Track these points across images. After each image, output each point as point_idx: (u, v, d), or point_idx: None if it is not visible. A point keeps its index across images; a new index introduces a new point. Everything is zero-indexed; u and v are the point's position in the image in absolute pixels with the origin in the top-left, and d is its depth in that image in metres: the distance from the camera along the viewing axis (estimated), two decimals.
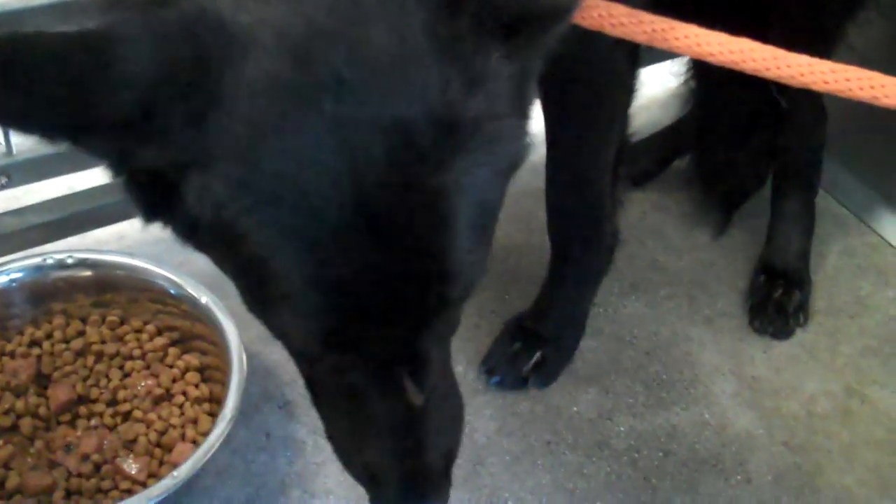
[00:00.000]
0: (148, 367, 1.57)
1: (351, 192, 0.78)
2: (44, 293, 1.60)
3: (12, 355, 1.55)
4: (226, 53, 0.77)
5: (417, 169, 0.79)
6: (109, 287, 1.61)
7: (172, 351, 1.59)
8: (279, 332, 0.93)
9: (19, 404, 1.48)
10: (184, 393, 1.54)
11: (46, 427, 1.48)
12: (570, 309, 1.70)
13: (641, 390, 1.69)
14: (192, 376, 1.56)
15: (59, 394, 1.50)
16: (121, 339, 1.60)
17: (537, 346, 1.68)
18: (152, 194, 0.85)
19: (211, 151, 0.79)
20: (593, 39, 1.03)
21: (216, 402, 1.51)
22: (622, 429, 1.63)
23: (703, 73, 1.91)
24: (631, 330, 1.80)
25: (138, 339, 1.60)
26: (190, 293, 1.56)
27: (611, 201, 1.59)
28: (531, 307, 1.71)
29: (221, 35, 0.77)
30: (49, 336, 1.58)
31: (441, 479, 1.02)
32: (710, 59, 0.97)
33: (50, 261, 1.59)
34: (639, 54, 1.45)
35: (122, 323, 1.61)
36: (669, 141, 2.13)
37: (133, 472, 1.41)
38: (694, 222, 2.04)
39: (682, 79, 1.95)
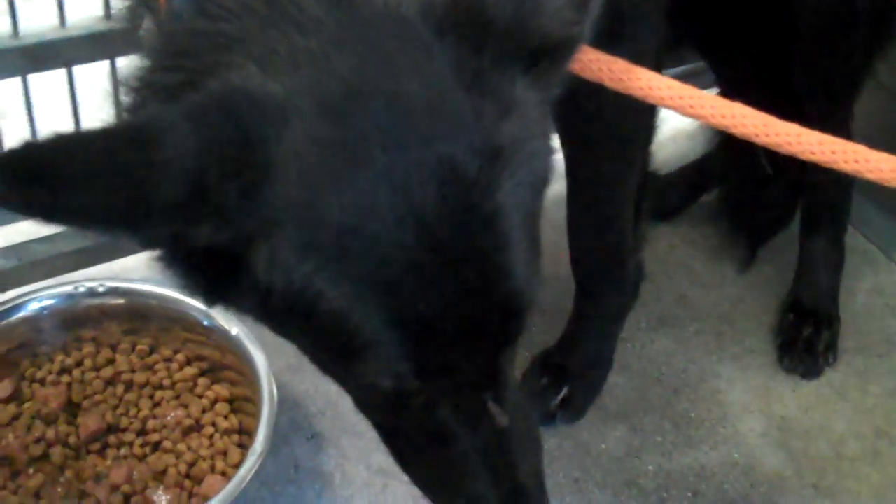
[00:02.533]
0: (178, 397, 1.57)
1: (414, 230, 0.81)
2: (74, 321, 1.60)
3: (42, 382, 1.56)
4: (267, 124, 0.80)
5: (470, 195, 0.83)
6: (140, 316, 1.62)
7: (202, 381, 1.59)
8: (364, 387, 0.95)
9: (50, 433, 1.48)
10: (213, 424, 1.54)
11: (76, 456, 1.49)
12: (597, 344, 1.70)
13: (670, 428, 1.68)
14: (222, 407, 1.56)
15: (90, 422, 1.51)
16: (151, 368, 1.60)
17: (565, 382, 1.67)
18: (214, 275, 0.87)
19: (272, 219, 0.81)
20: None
21: (246, 433, 1.51)
22: (650, 468, 1.62)
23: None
24: (659, 366, 1.79)
25: (168, 369, 1.60)
26: (220, 324, 1.57)
27: (634, 236, 1.60)
28: (558, 342, 1.71)
29: (258, 108, 0.80)
30: (79, 364, 1.59)
31: (539, 495, 1.03)
32: (701, 121, 1.01)
33: (81, 289, 1.60)
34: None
35: (151, 352, 1.62)
36: (697, 175, 2.13)
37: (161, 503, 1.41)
38: (722, 257, 2.03)
39: None
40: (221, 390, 1.58)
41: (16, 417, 1.51)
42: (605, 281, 1.62)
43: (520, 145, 0.86)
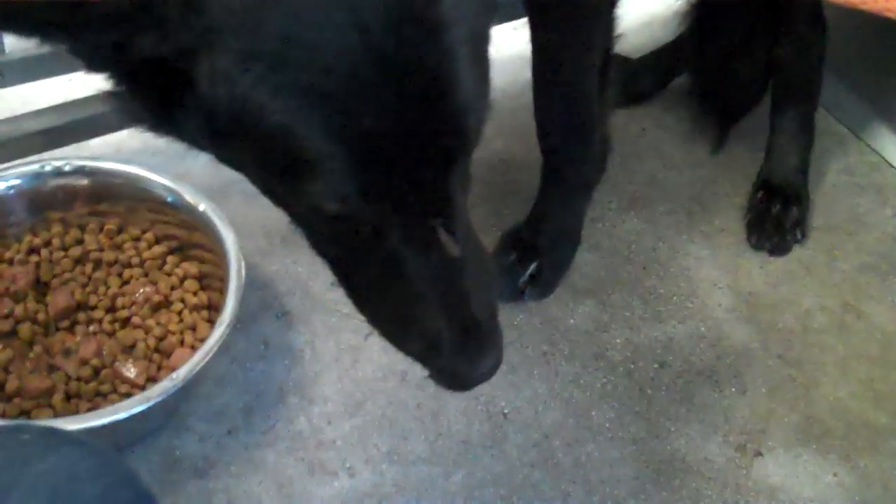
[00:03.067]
0: (146, 275, 1.57)
1: (356, 40, 0.81)
2: (42, 201, 1.59)
3: (11, 262, 1.55)
4: None
5: (412, 5, 0.83)
6: (107, 195, 1.61)
7: (171, 259, 1.59)
8: (313, 213, 0.94)
9: (18, 309, 1.48)
10: (182, 300, 1.54)
11: (45, 332, 1.49)
12: (564, 219, 1.70)
13: (638, 303, 1.70)
14: (191, 284, 1.56)
15: (58, 300, 1.51)
16: (119, 247, 1.60)
17: (533, 258, 1.68)
18: (158, 96, 0.88)
19: (214, 30, 0.81)
20: None
21: (215, 309, 1.52)
22: (618, 341, 1.64)
23: None
24: (629, 245, 1.80)
25: (136, 247, 1.60)
26: (188, 202, 1.56)
27: (600, 107, 1.59)
28: (526, 218, 1.71)
29: None
30: (47, 244, 1.59)
31: (493, 331, 1.03)
32: None
33: (48, 168, 1.58)
34: None
35: (120, 231, 1.61)
36: (669, 58, 2.11)
37: (132, 376, 1.42)
38: (693, 139, 2.02)
39: None
40: (190, 267, 1.58)
41: None
42: (571, 152, 1.61)
43: None
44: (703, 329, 1.67)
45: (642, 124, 2.06)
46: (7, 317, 1.48)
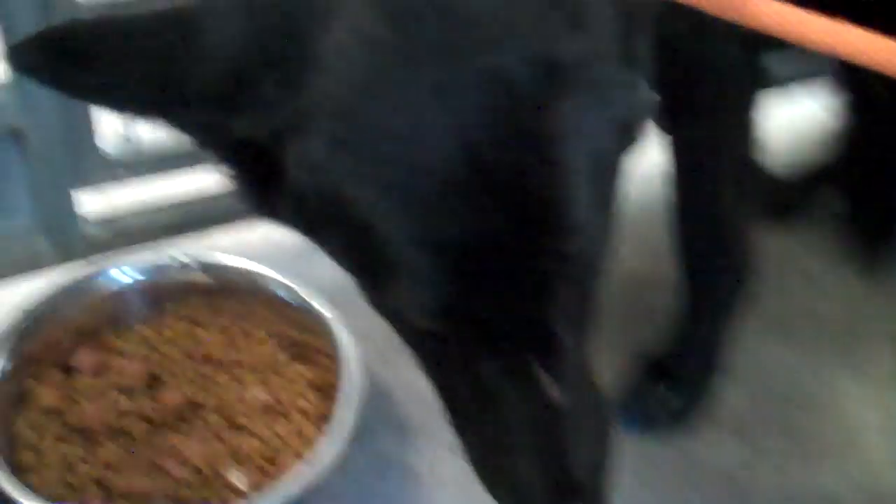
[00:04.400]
0: (260, 377, 1.50)
1: (455, 143, 0.74)
2: (160, 294, 1.55)
3: (124, 355, 1.50)
4: (314, 17, 0.77)
5: (519, 114, 0.75)
6: (228, 292, 1.56)
7: (287, 362, 1.52)
8: (395, 318, 0.89)
9: (129, 405, 1.42)
10: (296, 406, 1.46)
11: (154, 431, 1.42)
12: (704, 344, 1.56)
13: (786, 443, 1.55)
14: (306, 390, 1.48)
15: (169, 397, 1.44)
16: (234, 345, 1.53)
17: (668, 384, 1.56)
18: (257, 176, 0.85)
19: (308, 113, 0.78)
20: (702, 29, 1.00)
21: (330, 419, 1.43)
22: (764, 484, 1.49)
23: (858, 107, 1.80)
24: (775, 376, 1.66)
25: (252, 348, 1.53)
26: (310, 304, 1.49)
27: (743, 223, 1.47)
28: (663, 341, 1.59)
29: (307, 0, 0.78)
30: (163, 337, 1.53)
31: (596, 495, 0.92)
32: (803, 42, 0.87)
33: (169, 261, 1.55)
34: (759, 48, 1.32)
35: (238, 330, 1.55)
36: (819, 177, 1.99)
37: (239, 485, 1.33)
38: (845, 263, 1.88)
39: (834, 113, 1.84)
40: (306, 372, 1.50)
41: (96, 389, 1.45)
42: (711, 271, 1.49)
43: (587, 65, 0.78)
44: (856, 475, 1.51)
45: (788, 244, 1.92)
46: (118, 413, 1.41)
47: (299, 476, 1.26)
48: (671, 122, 1.33)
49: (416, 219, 0.77)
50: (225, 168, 0.87)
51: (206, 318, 1.55)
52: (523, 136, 0.75)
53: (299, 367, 1.51)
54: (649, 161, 1.44)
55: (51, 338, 1.47)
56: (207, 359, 1.51)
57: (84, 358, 1.48)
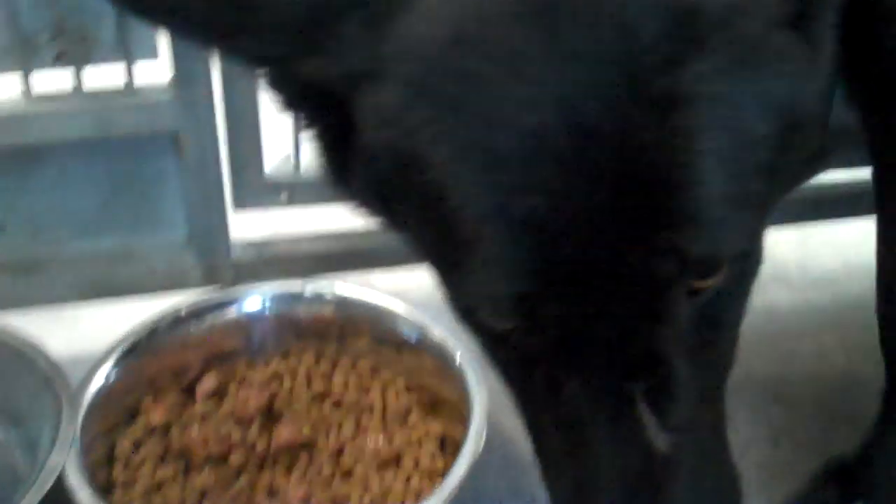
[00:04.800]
0: (385, 426, 1.36)
1: (557, 100, 0.61)
2: (294, 326, 1.45)
3: (248, 384, 1.40)
4: None
5: (642, 72, 0.61)
6: (368, 333, 1.44)
7: (416, 413, 1.37)
8: (467, 316, 0.76)
9: (236, 434, 1.31)
10: (416, 461, 1.31)
11: (259, 465, 1.30)
12: None
13: None
14: (430, 445, 1.33)
15: (284, 433, 1.32)
16: (366, 389, 1.41)
17: (858, 496, 1.29)
18: (329, 132, 0.78)
19: (390, 56, 0.68)
20: None
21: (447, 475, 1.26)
22: None
23: None
24: None
25: (384, 394, 1.40)
26: (451, 354, 1.34)
27: None
28: (858, 448, 1.33)
29: None
30: (290, 371, 1.43)
31: None
32: None
33: (305, 293, 1.45)
34: None
35: (368, 371, 1.43)
36: None
37: None
38: None
39: None
40: (434, 426, 1.35)
41: (211, 415, 1.36)
42: None
43: (732, 20, 0.64)
44: None
45: None
46: (222, 439, 1.31)
47: None
48: (875, 135, 1.11)
49: (497, 186, 0.64)
50: (301, 121, 0.80)
51: (337, 355, 1.44)
52: (643, 99, 0.62)
53: (428, 420, 1.36)
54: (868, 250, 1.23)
55: (175, 358, 1.40)
56: (332, 399, 1.39)
57: (207, 383, 1.40)
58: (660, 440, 0.68)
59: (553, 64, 0.62)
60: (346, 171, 0.77)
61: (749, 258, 0.74)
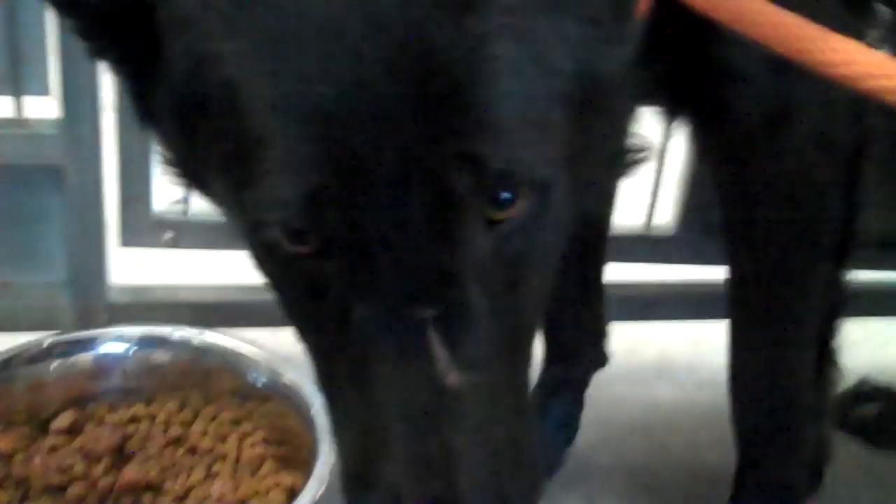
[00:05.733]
0: (236, 474, 1.33)
1: None
2: (157, 370, 1.43)
3: (103, 423, 1.37)
4: None
5: None
6: (231, 382, 1.42)
7: (268, 465, 1.34)
8: (254, 232, 0.72)
9: (78, 468, 1.28)
10: None
11: (99, 501, 1.27)
12: None
13: None
14: (278, 495, 1.29)
15: (130, 472, 1.30)
16: (223, 438, 1.38)
17: None
18: (131, 65, 0.77)
19: None
20: (782, 132, 0.94)
21: None
22: None
23: None
24: None
25: (240, 443, 1.37)
26: (315, 412, 1.32)
27: (816, 389, 1.21)
28: None
29: None
30: (152, 417, 1.40)
31: None
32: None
33: (175, 339, 1.43)
34: (861, 165, 1.09)
35: (232, 423, 1.40)
36: None
37: None
38: None
39: None
40: (286, 478, 1.31)
41: (59, 449, 1.32)
42: (771, 442, 1.23)
43: None
44: None
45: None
46: (65, 470, 1.28)
47: None
48: (730, 241, 1.14)
49: (287, 75, 0.63)
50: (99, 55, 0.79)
51: (200, 404, 1.42)
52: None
53: (281, 473, 1.33)
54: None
55: (32, 393, 1.37)
56: (187, 445, 1.37)
57: (62, 420, 1.37)
58: (452, 377, 0.65)
59: None
60: (151, 104, 0.77)
61: (549, 196, 0.71)
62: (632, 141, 0.89)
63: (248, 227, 0.73)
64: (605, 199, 1.32)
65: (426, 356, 0.65)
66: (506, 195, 0.67)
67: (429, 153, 0.62)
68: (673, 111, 1.08)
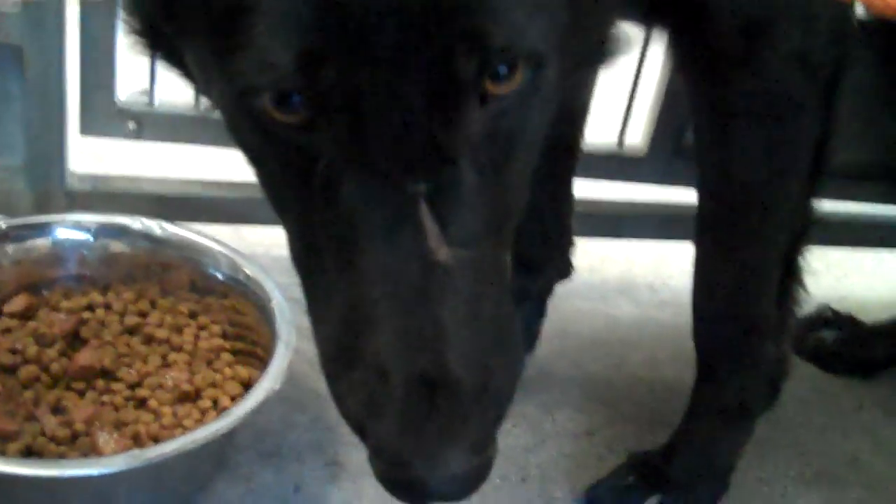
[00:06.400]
0: (190, 364, 1.32)
1: None
2: (115, 259, 1.41)
3: (58, 309, 1.35)
4: None
5: None
6: (190, 275, 1.40)
7: (225, 356, 1.34)
8: (240, 100, 0.67)
9: (31, 350, 1.26)
10: (214, 400, 1.26)
11: (50, 384, 1.25)
12: (709, 450, 1.29)
13: None
14: (233, 387, 1.29)
15: (83, 357, 1.27)
16: (179, 330, 1.36)
17: (658, 488, 1.28)
18: None
19: None
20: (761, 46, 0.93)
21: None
22: None
23: None
24: None
25: (197, 335, 1.36)
26: (263, 295, 1.31)
27: (779, 310, 1.21)
28: (664, 443, 1.32)
29: None
30: (108, 305, 1.38)
31: (477, 410, 0.66)
32: None
33: (138, 226, 1.40)
34: (837, 89, 1.08)
35: (186, 312, 1.39)
36: None
37: (104, 447, 1.14)
38: None
39: None
40: (242, 370, 1.31)
41: (11, 331, 1.31)
42: (731, 359, 1.22)
43: None
44: None
45: (860, 400, 1.63)
46: (15, 352, 1.26)
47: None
48: (702, 160, 1.13)
49: None
50: None
51: (158, 295, 1.40)
52: None
53: (237, 366, 1.32)
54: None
55: None
56: (143, 334, 1.35)
57: (15, 303, 1.35)
58: (441, 252, 0.64)
59: None
60: None
61: (542, 72, 0.70)
62: (614, 31, 0.88)
63: (232, 95, 0.69)
64: (585, 92, 1.30)
65: (416, 231, 0.64)
66: (503, 69, 0.66)
67: (432, 26, 0.60)
68: (651, 17, 1.06)
